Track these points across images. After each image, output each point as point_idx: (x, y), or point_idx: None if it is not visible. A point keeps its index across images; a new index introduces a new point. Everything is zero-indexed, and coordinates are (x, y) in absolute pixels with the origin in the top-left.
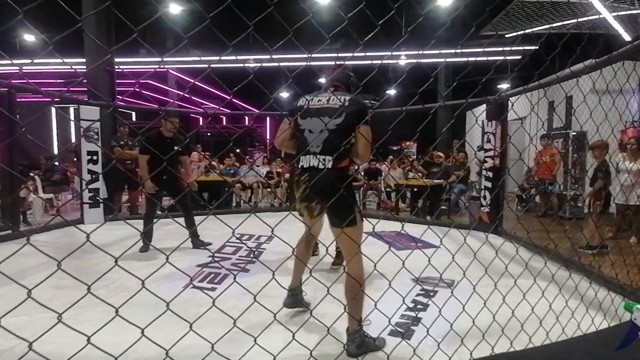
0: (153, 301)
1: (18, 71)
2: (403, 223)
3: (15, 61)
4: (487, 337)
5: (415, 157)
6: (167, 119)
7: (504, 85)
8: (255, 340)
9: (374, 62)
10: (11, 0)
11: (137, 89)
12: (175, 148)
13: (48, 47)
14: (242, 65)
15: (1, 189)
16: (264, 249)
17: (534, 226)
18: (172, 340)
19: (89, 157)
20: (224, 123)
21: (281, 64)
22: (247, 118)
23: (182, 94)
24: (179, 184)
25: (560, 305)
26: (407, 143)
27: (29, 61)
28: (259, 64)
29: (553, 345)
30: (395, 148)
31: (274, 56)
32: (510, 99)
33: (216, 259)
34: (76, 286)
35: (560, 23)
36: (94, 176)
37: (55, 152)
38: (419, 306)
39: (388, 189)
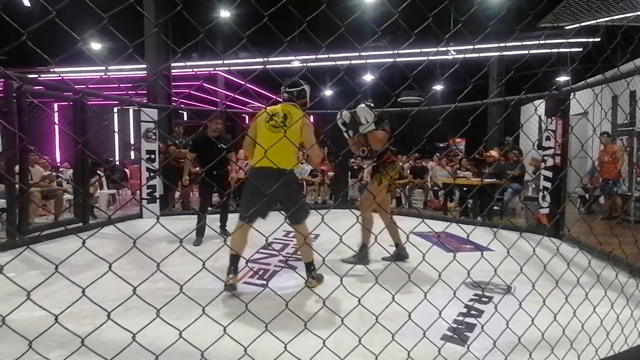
0: (207, 294)
1: (89, 77)
2: (452, 224)
3: (90, 68)
4: (554, 348)
5: (463, 155)
6: (210, 121)
7: (562, 79)
8: (305, 325)
9: (422, 58)
10: (81, 15)
11: (191, 91)
12: (220, 146)
13: (116, 54)
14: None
15: (74, 186)
16: None
17: (599, 230)
18: (228, 328)
19: (148, 155)
20: None
21: (328, 63)
22: None
23: (232, 94)
24: (227, 179)
25: (626, 315)
26: (456, 140)
27: (102, 68)
28: (305, 64)
29: (624, 353)
30: (442, 145)
31: (321, 55)
32: (576, 92)
33: (265, 252)
34: (138, 277)
35: (622, 15)
36: (152, 174)
37: (117, 152)
38: (472, 312)
39: (435, 188)
